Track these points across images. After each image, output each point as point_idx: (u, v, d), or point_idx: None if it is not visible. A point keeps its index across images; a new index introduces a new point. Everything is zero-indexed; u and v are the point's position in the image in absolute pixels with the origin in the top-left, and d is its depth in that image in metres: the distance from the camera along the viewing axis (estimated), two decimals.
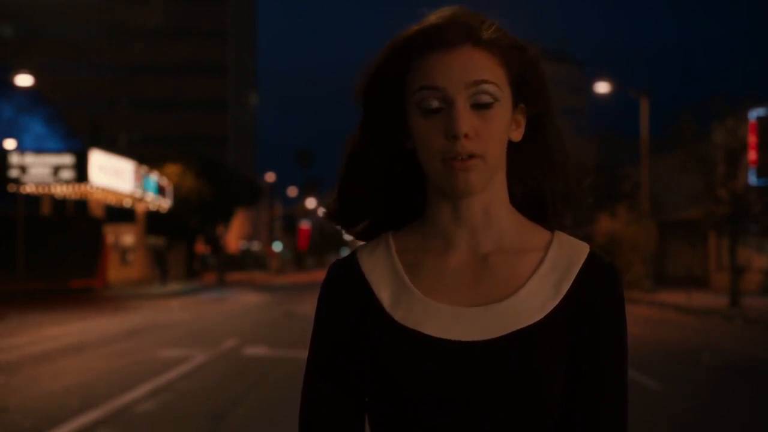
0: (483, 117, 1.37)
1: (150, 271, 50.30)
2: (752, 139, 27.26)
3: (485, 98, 1.38)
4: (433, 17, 1.42)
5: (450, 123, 1.36)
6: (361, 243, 1.56)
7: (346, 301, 1.47)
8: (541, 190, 1.50)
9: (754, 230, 29.72)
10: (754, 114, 27.19)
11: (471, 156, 1.36)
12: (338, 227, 1.58)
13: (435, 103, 1.38)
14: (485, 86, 1.37)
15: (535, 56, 1.45)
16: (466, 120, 1.36)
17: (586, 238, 1.52)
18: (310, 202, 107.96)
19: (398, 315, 1.42)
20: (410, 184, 1.51)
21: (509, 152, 1.44)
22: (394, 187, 1.52)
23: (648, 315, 23.51)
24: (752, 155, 27.30)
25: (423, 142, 1.39)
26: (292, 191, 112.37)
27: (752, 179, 27.39)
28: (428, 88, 1.38)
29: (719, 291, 33.32)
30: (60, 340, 16.61)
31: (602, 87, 34.20)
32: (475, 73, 1.37)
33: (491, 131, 1.38)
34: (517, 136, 1.45)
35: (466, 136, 1.36)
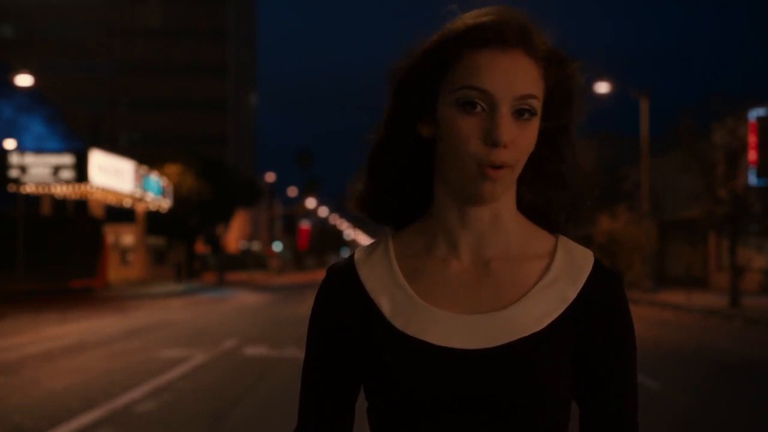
0: (521, 127, 1.36)
1: (150, 271, 50.32)
2: (752, 139, 27.26)
3: (527, 109, 1.36)
4: (483, 15, 1.38)
5: (493, 129, 1.33)
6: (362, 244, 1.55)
7: (343, 309, 1.46)
8: (549, 200, 1.48)
9: (754, 230, 29.74)
10: (754, 114, 27.19)
11: (502, 166, 1.35)
12: (370, 218, 1.54)
13: (477, 103, 1.35)
14: (530, 101, 1.36)
15: (573, 71, 1.43)
16: (508, 129, 1.34)
17: (586, 238, 1.53)
18: (310, 202, 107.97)
19: (399, 322, 1.40)
20: (418, 175, 1.48)
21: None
22: (410, 175, 1.49)
23: (648, 315, 23.51)
24: (752, 155, 27.29)
25: (457, 140, 1.36)
26: (292, 191, 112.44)
27: (752, 179, 27.39)
28: (475, 89, 1.35)
29: (719, 291, 33.32)
30: (60, 340, 16.61)
31: (602, 87, 34.20)
32: (524, 86, 1.35)
33: (525, 143, 1.36)
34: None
35: (505, 146, 1.34)
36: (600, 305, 1.41)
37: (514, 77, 1.35)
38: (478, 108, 1.35)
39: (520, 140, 1.35)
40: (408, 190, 1.49)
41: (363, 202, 1.53)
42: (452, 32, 1.39)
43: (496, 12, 1.39)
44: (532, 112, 1.36)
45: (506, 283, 1.41)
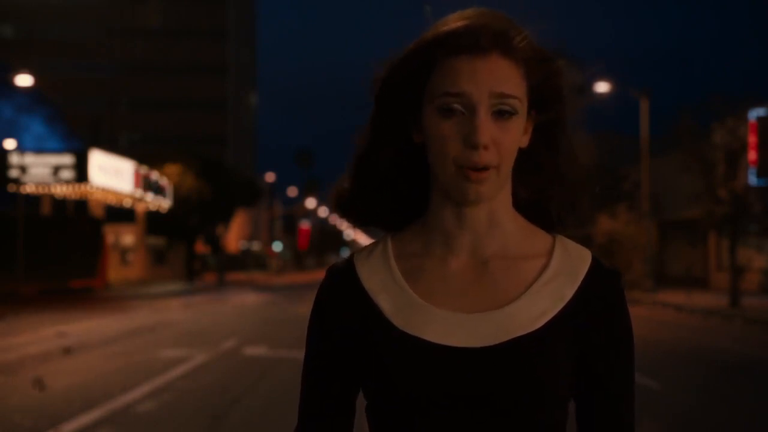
0: (501, 127, 1.37)
1: (150, 271, 50.31)
2: (752, 139, 27.25)
3: (506, 110, 1.37)
4: (461, 19, 1.40)
5: (471, 131, 1.35)
6: (362, 244, 1.56)
7: (343, 308, 1.46)
8: (546, 198, 1.49)
9: (754, 230, 29.73)
10: (754, 114, 27.18)
11: (486, 167, 1.36)
12: (346, 219, 1.57)
13: (456, 107, 1.36)
14: (509, 100, 1.37)
15: (558, 68, 1.44)
16: (487, 130, 1.35)
17: (586, 238, 1.53)
18: (310, 202, 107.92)
19: (398, 321, 1.41)
20: (414, 179, 1.50)
21: (517, 157, 1.43)
22: (399, 180, 1.50)
23: (648, 315, 23.51)
24: (752, 155, 27.28)
25: (439, 145, 1.38)
26: (292, 191, 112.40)
27: (752, 179, 27.38)
28: (452, 95, 1.36)
29: (719, 291, 33.31)
30: (60, 340, 16.61)
31: (602, 87, 34.20)
32: (502, 85, 1.36)
33: (508, 142, 1.37)
34: (524, 141, 1.44)
35: (485, 147, 1.35)
36: (598, 303, 1.42)
37: (491, 78, 1.36)
38: (458, 112, 1.36)
39: (502, 140, 1.36)
40: (399, 192, 1.51)
41: (346, 207, 1.54)
42: (428, 40, 1.41)
43: (473, 16, 1.40)
44: (512, 112, 1.37)
45: (504, 282, 1.42)
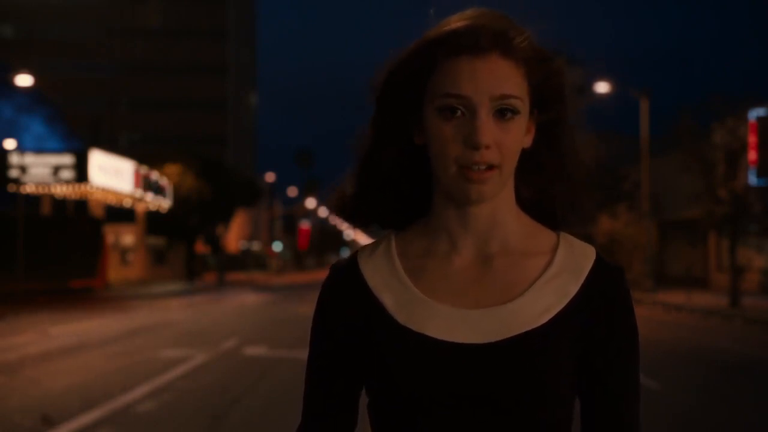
0: (503, 128, 1.37)
1: (150, 271, 50.31)
2: (752, 139, 27.26)
3: (508, 109, 1.37)
4: (460, 20, 1.40)
5: (472, 132, 1.35)
6: (363, 243, 1.56)
7: (347, 306, 1.46)
8: (548, 197, 1.49)
9: (754, 230, 29.73)
10: (754, 114, 27.18)
11: (489, 166, 1.36)
12: (347, 222, 1.57)
13: (457, 109, 1.36)
14: (511, 100, 1.37)
15: (558, 68, 1.44)
16: (488, 131, 1.35)
17: (586, 238, 1.53)
18: (310, 202, 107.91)
19: (402, 317, 1.41)
20: (416, 180, 1.50)
21: (520, 156, 1.42)
22: (401, 181, 1.50)
23: (648, 315, 23.51)
24: (752, 155, 27.29)
25: (440, 146, 1.38)
26: (292, 191, 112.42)
27: (752, 179, 27.38)
28: (453, 96, 1.36)
29: (719, 291, 33.31)
30: (60, 340, 16.61)
31: (602, 87, 34.19)
32: (502, 86, 1.36)
33: (510, 143, 1.37)
34: (527, 141, 1.44)
35: (486, 147, 1.35)
36: (601, 299, 1.42)
37: (491, 80, 1.36)
38: (459, 113, 1.36)
39: (504, 140, 1.37)
40: (401, 193, 1.51)
41: (348, 209, 1.54)
42: (428, 40, 1.41)
43: (473, 16, 1.40)
44: (514, 111, 1.37)
45: (508, 279, 1.42)
